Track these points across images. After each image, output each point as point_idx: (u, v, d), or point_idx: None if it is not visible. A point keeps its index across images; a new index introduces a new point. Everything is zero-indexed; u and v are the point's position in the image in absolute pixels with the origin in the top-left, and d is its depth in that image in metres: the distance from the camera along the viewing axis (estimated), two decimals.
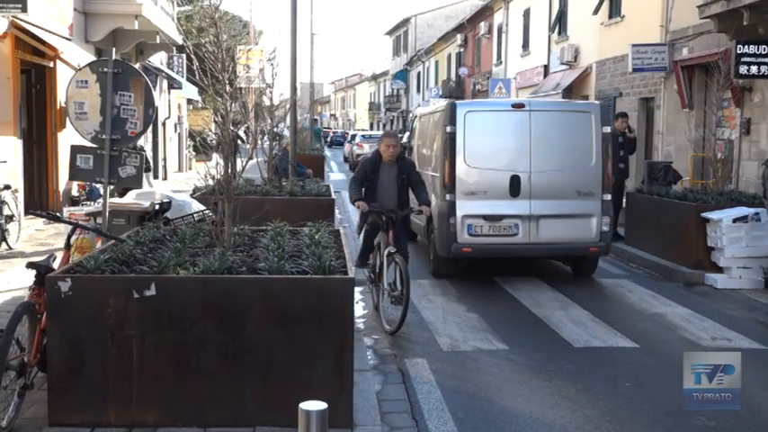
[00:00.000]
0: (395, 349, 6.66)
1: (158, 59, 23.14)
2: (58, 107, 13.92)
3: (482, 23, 34.80)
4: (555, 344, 6.93)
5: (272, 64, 9.90)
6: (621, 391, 5.70)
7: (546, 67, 25.91)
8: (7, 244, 10.53)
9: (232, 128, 5.89)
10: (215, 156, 5.95)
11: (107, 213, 7.40)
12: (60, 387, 4.46)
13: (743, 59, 11.81)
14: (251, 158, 6.99)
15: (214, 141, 6.79)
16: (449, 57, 43.03)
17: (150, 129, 9.77)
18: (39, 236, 11.81)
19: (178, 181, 23.04)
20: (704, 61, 13.83)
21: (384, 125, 61.33)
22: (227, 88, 5.33)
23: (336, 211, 12.04)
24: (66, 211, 10.38)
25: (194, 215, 7.38)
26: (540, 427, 5.01)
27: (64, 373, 4.46)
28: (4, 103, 12.18)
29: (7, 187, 10.93)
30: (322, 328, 4.52)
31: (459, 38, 39.29)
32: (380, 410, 5.01)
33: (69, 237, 5.60)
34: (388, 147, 7.86)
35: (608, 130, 9.69)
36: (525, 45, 28.65)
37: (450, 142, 9.37)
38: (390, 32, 62.15)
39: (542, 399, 5.52)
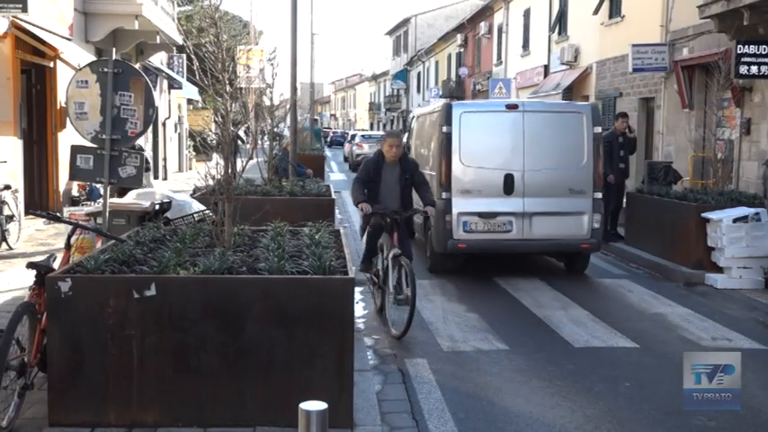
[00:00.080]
0: (395, 349, 6.66)
1: (158, 59, 23.15)
2: (59, 107, 13.93)
3: (482, 23, 34.80)
4: (555, 344, 6.93)
5: (272, 64, 9.90)
6: (621, 391, 5.70)
7: (546, 67, 25.91)
8: (7, 244, 10.53)
9: (232, 128, 5.89)
10: (215, 156, 5.95)
11: (107, 213, 7.40)
12: (60, 387, 4.47)
13: (743, 59, 11.81)
14: (251, 158, 6.99)
15: (214, 141, 6.79)
16: (449, 57, 43.02)
17: (150, 129, 9.76)
18: (39, 236, 11.81)
19: (178, 181, 23.06)
20: (704, 61, 13.83)
21: (384, 125, 61.33)
22: (228, 88, 5.33)
23: (336, 211, 12.06)
24: (67, 211, 10.38)
25: (194, 215, 7.39)
26: (540, 427, 5.01)
27: (64, 373, 4.46)
28: (4, 103, 12.18)
29: (7, 187, 10.93)
30: (322, 328, 4.52)
31: (459, 38, 39.28)
32: (380, 410, 5.01)
33: (69, 237, 5.60)
34: (391, 147, 7.76)
35: (599, 130, 9.95)
36: (525, 45, 28.66)
37: (446, 142, 9.65)
38: (390, 32, 62.15)
39: (542, 399, 5.52)
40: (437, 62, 46.60)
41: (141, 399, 4.46)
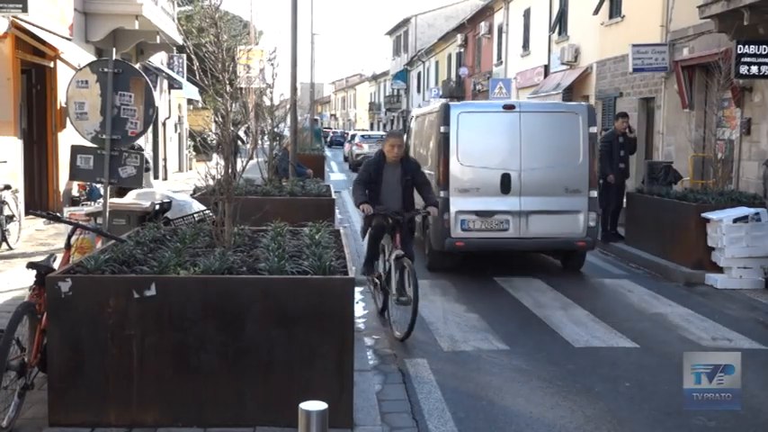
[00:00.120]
0: (395, 349, 6.66)
1: (159, 59, 23.14)
2: (59, 107, 13.93)
3: (482, 23, 34.79)
4: (555, 344, 6.92)
5: (272, 64, 9.89)
6: (622, 391, 5.70)
7: (546, 68, 25.91)
8: (8, 244, 10.53)
9: (232, 128, 5.89)
10: (215, 156, 5.95)
11: (107, 213, 7.40)
12: (60, 387, 4.47)
13: (743, 59, 11.80)
14: (251, 159, 6.99)
15: (214, 141, 6.79)
16: (449, 57, 43.02)
17: (150, 129, 9.76)
18: (39, 236, 11.81)
19: (178, 181, 23.07)
20: (705, 61, 13.83)
21: (384, 125, 61.33)
22: (228, 88, 5.33)
23: (337, 211, 12.05)
24: (67, 212, 10.38)
25: (194, 215, 7.38)
26: (540, 427, 5.01)
27: (64, 373, 4.46)
28: (4, 103, 12.18)
29: (8, 187, 10.93)
30: (322, 328, 4.52)
31: (459, 38, 39.27)
32: (381, 410, 5.01)
33: (69, 237, 5.60)
34: (393, 147, 7.67)
35: (594, 130, 10.11)
36: (525, 45, 28.66)
37: (444, 142, 9.80)
38: (390, 32, 62.14)
39: (543, 399, 5.52)
40: (437, 62, 46.60)
41: (141, 399, 4.46)
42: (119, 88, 7.14)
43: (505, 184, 9.71)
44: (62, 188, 14.30)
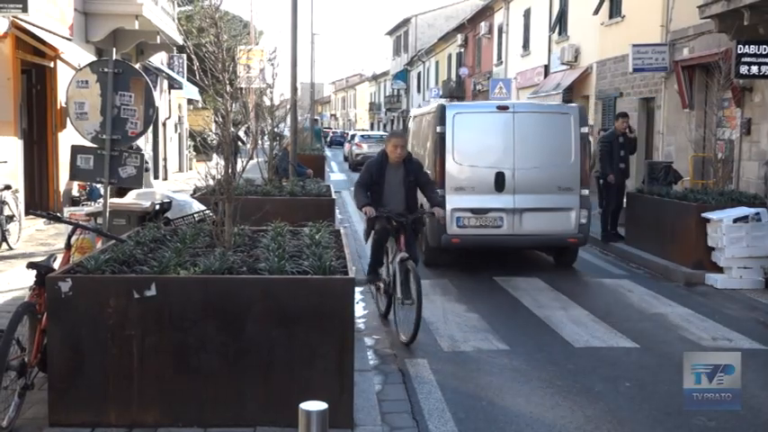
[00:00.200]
0: (395, 349, 6.66)
1: (159, 59, 23.14)
2: (59, 107, 13.93)
3: (482, 23, 34.80)
4: (555, 344, 6.92)
5: (272, 64, 9.88)
6: (622, 391, 5.70)
7: (546, 68, 25.91)
8: (8, 244, 10.53)
9: (232, 128, 5.89)
10: (215, 156, 5.95)
11: (107, 213, 7.41)
12: (61, 387, 4.47)
13: (743, 59, 11.81)
14: (251, 159, 6.98)
15: (214, 142, 6.80)
16: (449, 57, 43.03)
17: (151, 129, 9.77)
18: (39, 236, 11.82)
19: (178, 181, 23.08)
20: (705, 61, 13.83)
21: (384, 125, 61.33)
22: (228, 88, 5.33)
23: (337, 211, 12.06)
24: (67, 212, 10.39)
25: (195, 215, 7.38)
26: (540, 427, 5.01)
27: (64, 373, 4.46)
28: (4, 103, 12.18)
29: (8, 187, 10.93)
30: (322, 328, 4.52)
31: (459, 38, 39.28)
32: (381, 410, 5.01)
33: (70, 237, 5.60)
34: (396, 147, 7.51)
35: (585, 130, 10.43)
36: (526, 45, 28.66)
37: (440, 141, 10.07)
38: (391, 32, 62.14)
39: (543, 399, 5.52)
40: (437, 62, 46.60)
41: (141, 399, 4.47)
42: (119, 88, 7.14)
43: (499, 183, 9.96)
44: (62, 188, 14.30)
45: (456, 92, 38.58)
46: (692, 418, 5.05)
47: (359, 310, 7.79)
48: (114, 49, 9.06)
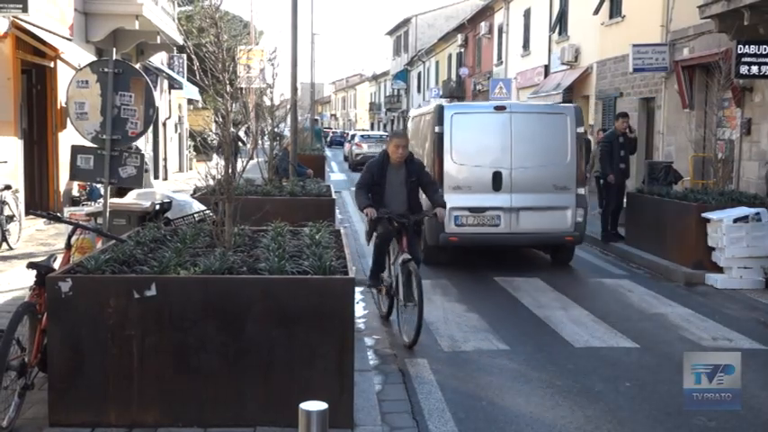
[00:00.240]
0: (395, 349, 6.65)
1: (159, 59, 23.14)
2: (59, 107, 13.93)
3: (482, 23, 34.80)
4: (555, 344, 6.92)
5: (272, 64, 9.88)
6: (622, 391, 5.70)
7: (546, 68, 25.91)
8: (8, 244, 10.53)
9: (232, 128, 5.89)
10: (215, 156, 5.95)
11: (107, 213, 7.41)
12: (61, 387, 4.47)
13: (743, 59, 11.82)
14: (251, 159, 6.98)
15: (215, 142, 6.80)
16: (449, 57, 43.03)
17: (151, 129, 9.77)
18: (39, 236, 11.82)
19: (179, 181, 23.08)
20: (705, 61, 13.83)
21: (385, 125, 61.33)
22: (228, 88, 5.33)
23: (337, 211, 12.06)
24: (67, 212, 10.39)
25: (195, 215, 7.38)
26: (540, 427, 5.01)
27: (64, 373, 4.46)
28: (4, 103, 12.18)
29: (8, 187, 10.94)
30: (322, 328, 4.52)
31: (459, 38, 39.28)
32: (381, 411, 5.00)
33: (70, 237, 5.60)
34: (398, 147, 7.40)
35: (581, 130, 10.62)
36: (526, 45, 28.66)
37: (438, 141, 10.23)
38: (391, 32, 62.14)
39: (543, 399, 5.52)
40: (437, 62, 46.60)
41: (141, 399, 4.47)
42: (119, 88, 7.14)
43: (497, 182, 10.13)
44: (62, 188, 14.30)
45: (456, 92, 38.57)
46: (692, 418, 5.05)
47: (359, 310, 7.78)
48: (114, 49, 9.07)
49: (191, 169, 27.41)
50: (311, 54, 38.37)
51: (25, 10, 11.26)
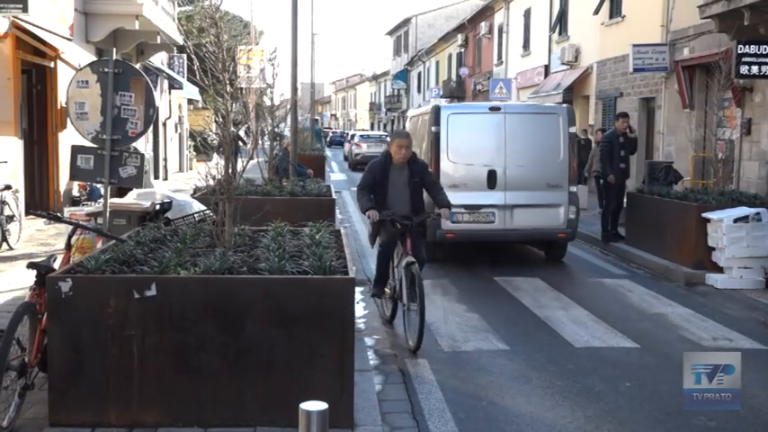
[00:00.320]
0: (395, 349, 6.65)
1: (159, 59, 23.14)
2: (59, 107, 13.93)
3: (483, 23, 34.80)
4: (556, 344, 6.92)
5: (272, 64, 9.88)
6: (622, 391, 5.70)
7: (547, 68, 25.91)
8: (8, 244, 10.53)
9: (233, 128, 5.89)
10: (215, 156, 5.95)
11: (108, 213, 7.41)
12: (61, 387, 4.47)
13: (744, 59, 11.81)
14: (251, 158, 6.98)
15: (215, 142, 6.80)
16: (449, 57, 43.03)
17: (151, 129, 9.77)
18: (39, 236, 11.82)
19: (179, 181, 23.08)
20: (705, 61, 13.83)
21: (385, 125, 61.33)
22: (228, 88, 5.33)
23: (337, 211, 12.06)
24: (67, 212, 10.40)
25: (195, 215, 7.38)
26: (540, 427, 5.01)
27: (64, 373, 4.46)
28: (4, 103, 12.18)
29: (8, 187, 10.93)
30: (322, 328, 4.52)
31: (459, 38, 39.28)
32: (381, 411, 5.01)
33: (70, 237, 5.60)
34: (401, 148, 7.25)
35: (573, 130, 10.88)
36: (526, 45, 28.66)
37: (435, 141, 10.51)
38: (391, 32, 62.15)
39: (543, 399, 5.52)
40: (437, 62, 46.61)
41: (142, 399, 4.47)
42: (119, 88, 7.14)
43: (491, 180, 10.40)
44: (62, 188, 14.30)
45: (456, 92, 38.57)
46: (692, 418, 5.05)
47: (359, 310, 7.78)
48: (114, 49, 9.06)
49: (191, 169, 27.41)
50: (311, 54, 38.35)
51: (25, 10, 11.26)
